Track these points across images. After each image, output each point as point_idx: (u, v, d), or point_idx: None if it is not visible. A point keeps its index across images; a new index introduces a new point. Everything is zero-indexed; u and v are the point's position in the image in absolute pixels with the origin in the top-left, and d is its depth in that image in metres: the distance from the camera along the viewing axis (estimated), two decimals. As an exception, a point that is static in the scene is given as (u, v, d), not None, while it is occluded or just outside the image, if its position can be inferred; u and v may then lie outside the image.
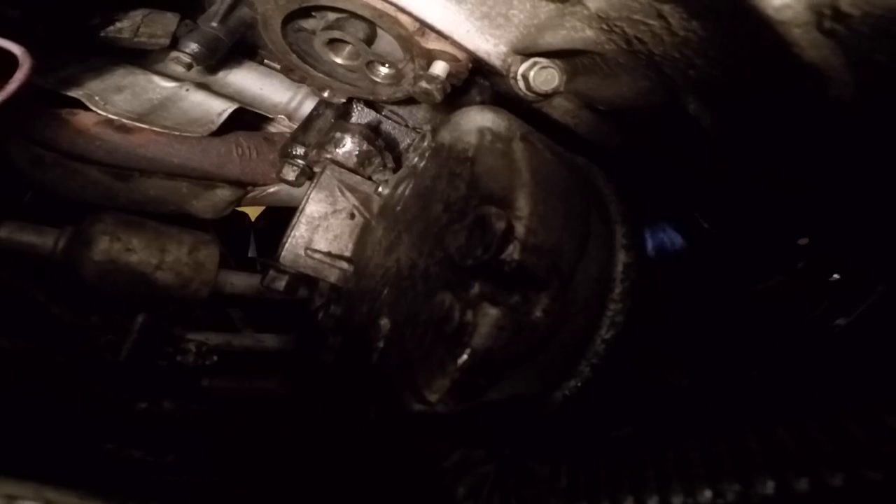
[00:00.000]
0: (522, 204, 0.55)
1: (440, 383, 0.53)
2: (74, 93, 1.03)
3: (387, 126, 1.24)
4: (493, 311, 0.51)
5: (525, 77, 0.86)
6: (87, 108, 1.04)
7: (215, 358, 0.59)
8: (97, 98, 1.03)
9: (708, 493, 0.37)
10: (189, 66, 1.08)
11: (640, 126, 0.89)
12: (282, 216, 1.83)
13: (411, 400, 0.57)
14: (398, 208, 0.85)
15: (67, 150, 1.02)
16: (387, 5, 0.82)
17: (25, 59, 0.74)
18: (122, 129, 1.05)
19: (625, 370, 0.62)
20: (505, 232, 0.52)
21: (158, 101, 1.12)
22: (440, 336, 0.54)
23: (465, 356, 0.51)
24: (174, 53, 1.07)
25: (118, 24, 1.06)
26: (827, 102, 0.48)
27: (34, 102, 0.99)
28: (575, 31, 0.71)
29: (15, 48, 0.75)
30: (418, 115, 1.28)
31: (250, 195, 1.31)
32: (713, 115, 0.67)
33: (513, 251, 0.52)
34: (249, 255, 1.80)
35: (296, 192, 1.29)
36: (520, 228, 0.54)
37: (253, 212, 1.88)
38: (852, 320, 0.83)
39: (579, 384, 0.59)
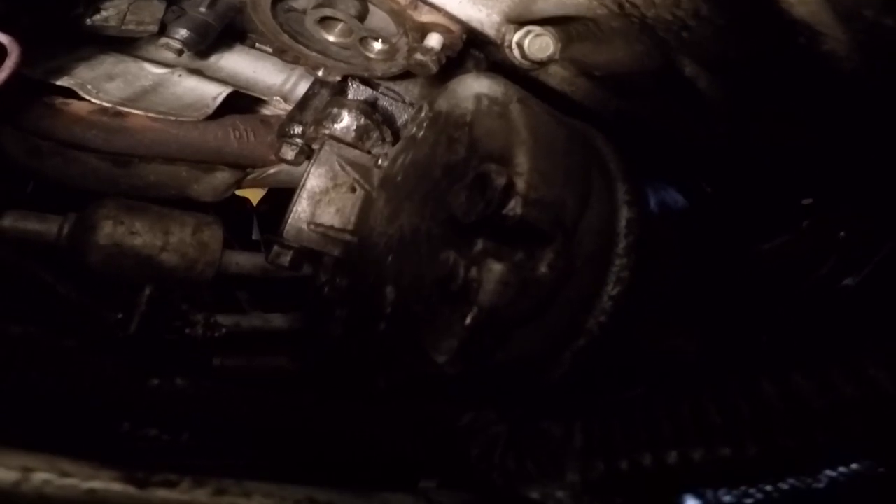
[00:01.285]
0: (522, 160, 0.55)
1: (448, 344, 0.54)
2: (65, 82, 1.03)
3: (384, 102, 1.23)
4: (497, 267, 0.51)
5: (520, 45, 0.85)
6: (79, 98, 1.04)
7: (224, 330, 0.60)
8: (89, 86, 1.03)
9: (727, 449, 0.37)
10: (179, 52, 1.07)
11: (636, 91, 0.89)
12: (283, 199, 1.83)
13: (420, 364, 0.57)
14: (398, 178, 0.86)
15: (64, 138, 1.02)
16: (377, -21, 0.81)
17: (13, 47, 0.74)
18: (118, 115, 1.05)
19: (632, 330, 0.63)
20: (506, 187, 0.52)
21: (151, 88, 1.11)
22: (446, 296, 0.55)
23: (471, 314, 0.52)
24: (163, 40, 1.06)
25: (104, 13, 1.05)
26: (820, 58, 0.48)
27: (25, 93, 0.99)
28: (569, -3, 0.70)
29: (2, 37, 0.75)
30: (414, 90, 1.27)
31: (250, 177, 1.30)
32: (709, 76, 0.67)
33: (515, 205, 0.52)
34: (253, 237, 1.81)
35: (295, 171, 1.29)
36: (520, 183, 0.54)
37: (254, 196, 1.88)
38: (861, 279, 0.83)
39: (588, 343, 0.59)
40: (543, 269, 0.53)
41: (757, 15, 0.49)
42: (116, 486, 0.34)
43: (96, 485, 0.34)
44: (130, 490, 0.34)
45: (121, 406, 0.54)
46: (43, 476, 0.33)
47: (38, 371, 0.50)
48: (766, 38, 0.52)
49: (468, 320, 0.53)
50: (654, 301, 0.65)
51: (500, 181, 0.52)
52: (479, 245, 0.54)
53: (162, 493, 0.35)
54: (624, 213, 0.60)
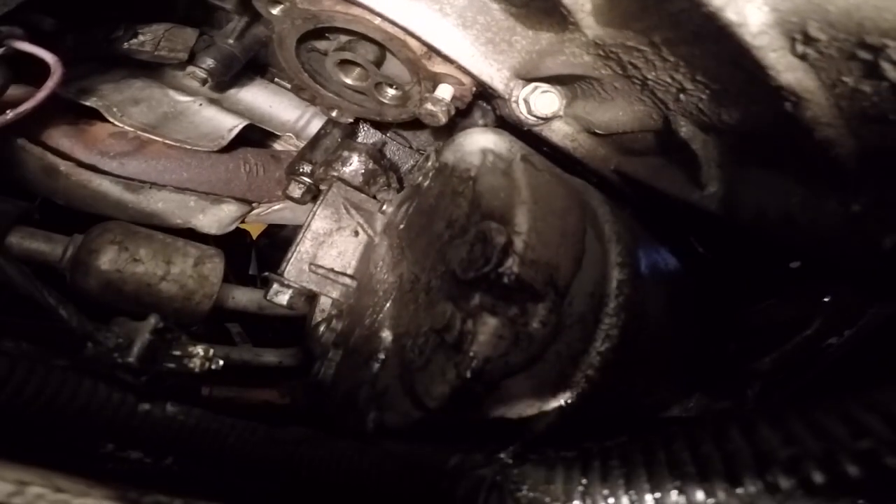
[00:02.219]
0: (521, 220, 0.58)
1: (440, 390, 0.55)
2: (94, 103, 1.07)
3: (391, 147, 1.27)
4: (492, 321, 0.53)
5: (526, 101, 0.89)
6: (103, 119, 1.08)
7: (220, 363, 0.60)
8: (115, 109, 1.07)
9: (699, 493, 0.38)
10: (204, 81, 1.12)
11: (636, 150, 0.92)
12: (282, 235, 1.86)
13: (410, 407, 0.58)
14: (401, 226, 0.88)
15: (81, 159, 1.05)
16: (396, 29, 0.86)
17: (57, 67, 0.77)
18: (136, 140, 1.08)
19: (619, 384, 0.64)
20: (504, 246, 0.55)
21: (172, 115, 1.15)
22: (441, 344, 0.56)
23: (464, 363, 0.53)
24: (190, 68, 1.11)
25: (141, 38, 1.11)
26: (806, 124, 0.51)
27: (53, 111, 1.03)
28: (574, 57, 0.74)
29: (47, 56, 0.79)
30: (422, 137, 1.32)
31: (255, 212, 1.33)
32: (703, 138, 0.70)
33: (511, 264, 0.55)
34: (250, 272, 1.82)
35: (299, 210, 1.32)
36: (518, 243, 0.56)
37: (254, 230, 1.91)
38: (844, 340, 0.84)
39: (575, 395, 0.60)
40: (535, 324, 0.55)
41: (748, 81, 0.52)
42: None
43: (89, 502, 0.34)
44: None
45: (109, 428, 0.54)
46: (37, 490, 0.33)
47: (28, 387, 0.51)
48: (756, 102, 0.56)
49: (461, 369, 0.54)
50: (641, 356, 0.66)
51: (500, 240, 0.55)
52: (476, 299, 0.56)
53: None
54: (615, 275, 0.63)
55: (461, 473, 0.47)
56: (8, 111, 0.77)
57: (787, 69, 0.48)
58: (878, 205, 0.54)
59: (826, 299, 0.89)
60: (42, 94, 0.75)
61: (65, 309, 0.60)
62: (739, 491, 0.37)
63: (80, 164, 1.06)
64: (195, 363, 0.57)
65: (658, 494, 0.39)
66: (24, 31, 0.86)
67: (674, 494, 0.38)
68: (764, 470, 0.37)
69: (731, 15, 0.47)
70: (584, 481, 0.42)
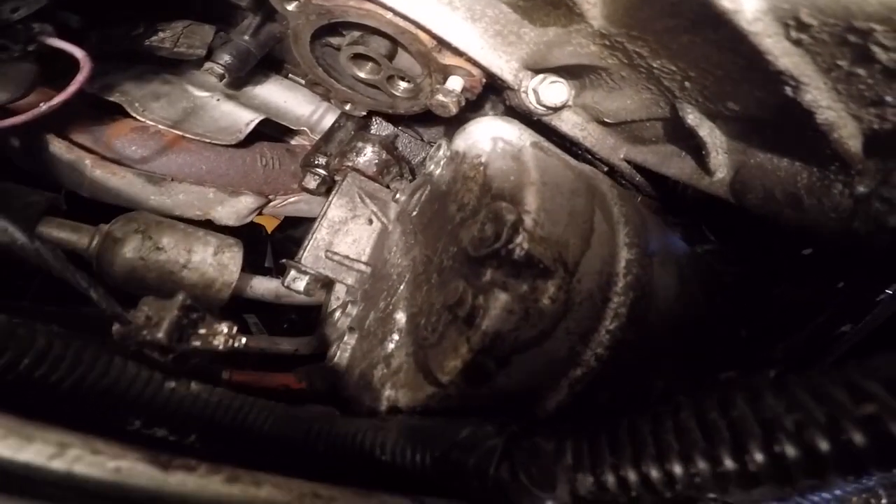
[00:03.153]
0: (531, 200, 0.60)
1: (452, 364, 0.57)
2: (117, 98, 1.11)
3: (403, 139, 1.30)
4: (503, 296, 0.55)
5: (535, 91, 0.91)
6: (126, 114, 1.11)
7: (244, 341, 0.63)
8: (137, 104, 1.10)
9: (703, 464, 0.39)
10: (221, 77, 1.16)
11: (644, 138, 0.93)
12: (297, 228, 1.90)
13: (424, 383, 0.60)
14: (414, 213, 0.90)
15: (105, 153, 1.09)
16: (407, 23, 0.88)
17: (86, 62, 0.80)
18: (157, 135, 1.12)
19: (629, 362, 0.65)
20: (514, 223, 0.56)
21: (191, 110, 1.19)
22: (453, 320, 0.58)
23: (476, 337, 0.55)
24: (208, 64, 1.14)
25: (161, 34, 1.14)
26: (806, 108, 0.52)
27: (78, 107, 1.07)
28: (581, 48, 0.76)
29: (77, 52, 0.82)
30: (433, 130, 1.34)
31: (271, 204, 1.36)
32: (709, 125, 0.71)
33: (521, 240, 0.56)
34: (266, 265, 1.86)
35: (314, 203, 1.35)
36: (528, 221, 0.58)
37: (269, 224, 1.95)
38: (858, 326, 0.84)
39: (585, 373, 0.62)
40: (545, 300, 0.56)
41: (748, 66, 0.53)
42: (141, 466, 0.37)
43: (123, 464, 0.36)
44: (154, 470, 0.37)
45: (136, 404, 0.57)
46: (76, 452, 0.36)
47: (64, 363, 0.53)
48: (758, 88, 0.57)
49: (472, 343, 0.56)
50: (650, 337, 0.67)
51: (510, 218, 0.57)
52: (488, 275, 0.58)
53: (181, 475, 0.37)
54: (624, 255, 0.64)
55: (473, 444, 0.49)
56: (42, 104, 0.80)
57: (783, 54, 0.49)
58: (883, 185, 0.55)
59: (839, 285, 0.90)
60: (73, 88, 0.78)
61: (95, 291, 0.63)
62: (745, 459, 0.38)
63: (104, 158, 1.10)
64: (220, 340, 0.60)
65: (663, 464, 0.40)
66: (53, 27, 0.89)
67: (679, 466, 0.39)
68: (769, 438, 0.37)
69: (725, 3, 0.48)
70: (592, 453, 0.43)
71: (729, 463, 0.38)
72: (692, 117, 0.72)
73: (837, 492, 0.54)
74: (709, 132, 0.73)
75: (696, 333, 0.80)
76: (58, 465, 0.35)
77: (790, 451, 0.36)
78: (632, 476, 0.40)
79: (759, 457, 0.37)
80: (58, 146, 1.07)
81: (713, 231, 1.05)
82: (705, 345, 0.81)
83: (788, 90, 0.52)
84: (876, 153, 0.55)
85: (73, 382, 0.54)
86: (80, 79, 0.80)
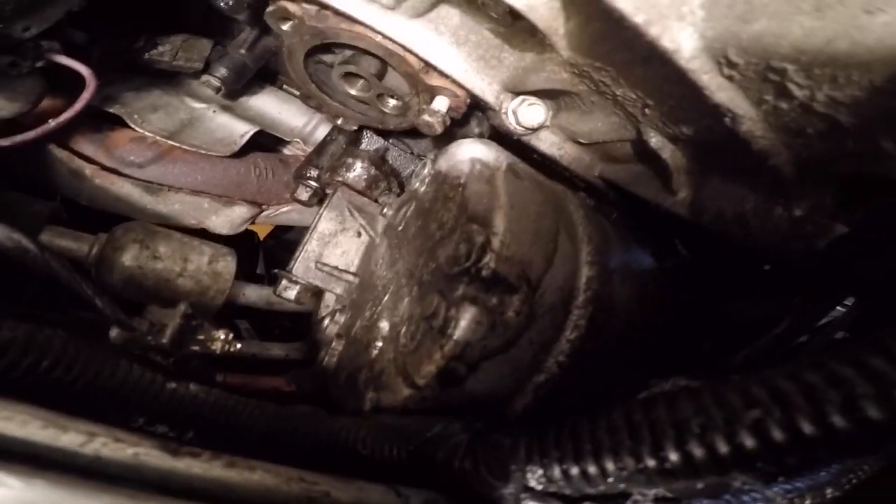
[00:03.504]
0: (499, 223, 0.66)
1: (427, 369, 0.63)
2: (117, 110, 1.16)
3: (393, 153, 1.35)
4: (472, 309, 0.61)
5: (515, 112, 0.97)
6: (125, 125, 1.16)
7: (238, 346, 0.68)
8: (136, 116, 1.15)
9: (629, 460, 0.44)
10: (218, 90, 1.21)
11: (616, 158, 1.00)
12: (288, 237, 1.95)
13: (403, 386, 0.66)
14: (400, 228, 0.96)
15: (105, 163, 1.14)
16: (396, 46, 0.93)
17: (91, 80, 0.85)
18: (155, 145, 1.17)
19: (589, 370, 0.71)
20: (483, 244, 0.63)
21: (188, 121, 1.24)
22: (429, 329, 0.64)
23: (448, 345, 0.61)
24: (205, 77, 1.19)
25: (160, 48, 1.19)
26: (744, 137, 0.59)
27: (79, 118, 1.11)
28: (554, 74, 0.82)
29: (83, 69, 0.87)
30: (422, 143, 1.39)
31: (264, 214, 1.41)
32: (671, 147, 0.78)
33: (489, 260, 0.63)
34: (258, 271, 1.91)
35: (306, 212, 1.40)
36: (495, 242, 0.64)
37: (262, 231, 1.99)
38: (811, 337, 0.91)
39: (547, 378, 0.68)
40: (510, 313, 0.63)
41: (693, 97, 0.60)
42: (155, 452, 0.43)
43: (140, 450, 0.42)
44: (165, 456, 0.43)
45: (140, 403, 0.62)
46: (102, 440, 0.42)
47: (78, 364, 0.58)
48: (705, 117, 0.63)
49: (445, 350, 0.62)
50: (611, 346, 0.74)
51: (479, 239, 0.63)
52: (460, 290, 0.64)
53: (188, 460, 0.43)
54: (585, 272, 0.70)
55: (441, 440, 0.55)
56: (50, 120, 0.85)
57: (718, 89, 0.56)
58: (814, 209, 0.62)
59: (796, 299, 0.96)
60: (80, 105, 0.83)
61: (100, 299, 0.68)
62: (662, 456, 0.43)
63: (104, 168, 1.15)
64: (217, 346, 0.65)
65: (598, 459, 0.45)
66: (60, 44, 0.94)
67: (609, 462, 0.44)
68: (681, 438, 0.42)
69: (666, 42, 0.54)
70: (540, 448, 0.49)
71: (650, 460, 0.42)
72: (655, 140, 0.79)
73: (767, 492, 0.59)
74: (670, 154, 0.80)
75: (658, 344, 0.86)
76: (88, 450, 0.41)
77: (696, 450, 0.41)
78: (573, 469, 0.45)
79: (673, 455, 0.42)
80: (58, 155, 1.12)
81: (686, 246, 1.12)
82: (668, 355, 0.87)
83: (728, 121, 0.59)
84: (809, 179, 0.62)
85: (86, 383, 0.59)
86: (85, 96, 0.85)
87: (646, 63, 0.64)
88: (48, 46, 0.94)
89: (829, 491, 0.56)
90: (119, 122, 1.19)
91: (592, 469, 0.43)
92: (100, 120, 1.19)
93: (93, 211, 1.18)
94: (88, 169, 1.13)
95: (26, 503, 0.37)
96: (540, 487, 0.46)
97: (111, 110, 1.17)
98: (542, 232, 0.69)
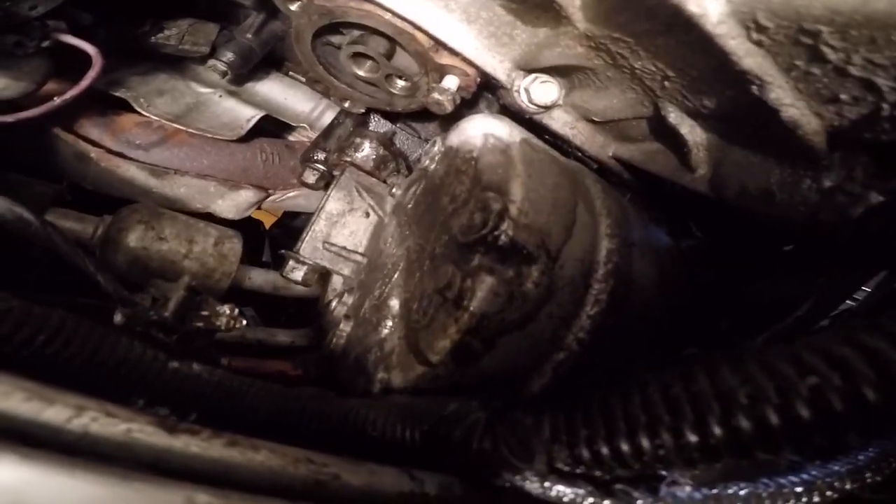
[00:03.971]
0: (516, 190, 0.63)
1: (441, 344, 0.60)
2: (123, 94, 1.14)
3: (401, 136, 1.33)
4: (489, 279, 0.58)
5: (527, 90, 0.94)
6: (130, 109, 1.15)
7: (244, 322, 0.66)
8: (142, 100, 1.14)
9: (667, 437, 0.41)
10: (224, 74, 1.19)
11: (631, 137, 0.97)
12: (295, 224, 1.93)
13: (414, 363, 0.63)
14: (409, 206, 0.93)
15: (110, 146, 1.12)
16: (405, 24, 0.91)
17: (98, 58, 0.83)
18: (161, 129, 1.15)
19: (610, 347, 0.68)
20: (500, 212, 0.60)
21: (194, 105, 1.22)
22: (443, 302, 0.61)
23: (463, 318, 0.58)
24: (211, 61, 1.18)
25: (167, 32, 1.17)
26: (772, 105, 0.56)
27: (85, 101, 1.10)
28: (569, 49, 0.79)
29: (89, 48, 0.85)
30: (430, 127, 1.37)
31: (270, 199, 1.40)
32: (690, 123, 0.75)
33: (507, 227, 0.60)
34: (264, 259, 1.89)
35: (312, 198, 1.38)
36: (513, 209, 0.61)
37: (268, 219, 1.98)
38: (834, 319, 0.88)
39: (567, 356, 0.65)
40: (529, 284, 0.60)
41: (718, 66, 0.57)
42: (149, 429, 0.40)
43: (134, 426, 0.39)
44: (161, 433, 0.40)
45: (141, 383, 0.60)
46: (92, 414, 0.39)
47: (76, 339, 0.56)
48: (729, 87, 0.60)
49: (460, 323, 0.59)
50: (632, 323, 0.71)
51: (496, 206, 0.60)
52: (476, 260, 0.61)
53: (186, 438, 0.40)
54: (604, 245, 0.67)
55: (458, 419, 0.52)
56: (55, 97, 0.83)
57: (746, 55, 0.53)
58: (847, 180, 0.59)
59: (819, 281, 0.93)
60: (85, 83, 0.81)
61: (102, 276, 0.66)
62: (705, 432, 0.40)
63: (109, 151, 1.13)
64: (222, 321, 0.63)
65: (632, 438, 0.42)
66: (67, 25, 0.92)
67: (644, 439, 0.41)
68: (727, 411, 0.39)
69: (692, 7, 0.52)
70: (567, 427, 0.46)
71: (691, 436, 0.39)
72: (673, 116, 0.76)
73: (805, 476, 0.56)
74: (689, 130, 0.77)
75: (677, 323, 0.83)
76: (75, 425, 0.38)
77: (745, 423, 0.38)
78: (604, 449, 0.42)
79: (717, 430, 0.38)
80: (64, 139, 1.10)
81: (700, 228, 1.09)
82: (686, 335, 0.85)
83: (755, 89, 0.56)
84: (839, 148, 0.59)
85: (84, 360, 0.57)
86: (91, 74, 0.83)
87: (668, 31, 0.61)
88: (54, 26, 0.92)
89: (868, 475, 0.53)
90: (125, 107, 1.17)
91: (626, 448, 0.40)
92: (106, 104, 1.18)
93: (99, 195, 1.17)
94: (94, 152, 1.12)
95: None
96: (567, 468, 0.43)
97: (117, 94, 1.16)
98: (561, 202, 0.67)
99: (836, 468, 0.57)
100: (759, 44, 0.52)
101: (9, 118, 0.80)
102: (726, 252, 1.01)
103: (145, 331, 0.62)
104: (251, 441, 0.43)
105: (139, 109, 1.14)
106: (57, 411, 0.38)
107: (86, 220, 1.02)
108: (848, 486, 0.57)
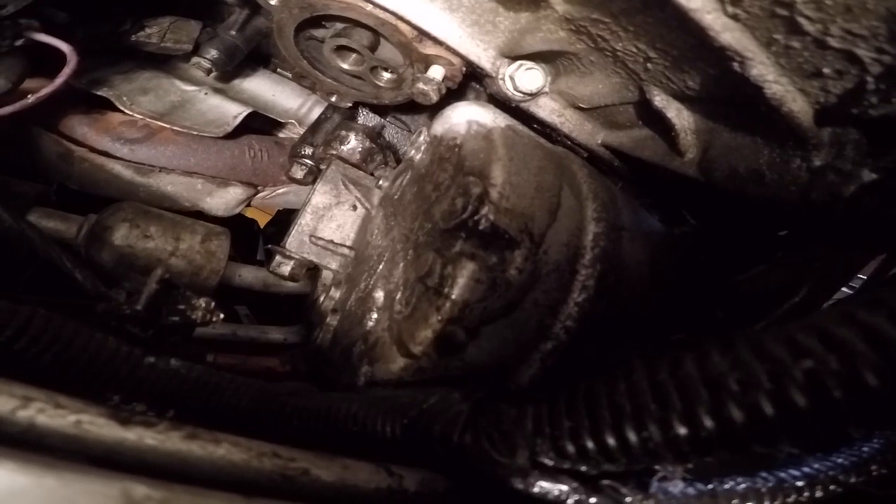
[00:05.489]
0: (497, 174, 0.62)
1: (423, 335, 0.58)
2: (105, 93, 1.13)
3: (390, 130, 1.31)
4: (470, 265, 0.56)
5: (512, 78, 0.93)
6: (114, 108, 1.13)
7: (221, 316, 0.65)
8: (125, 98, 1.12)
9: (655, 429, 0.39)
10: (208, 71, 1.18)
11: (619, 123, 0.95)
12: (288, 222, 1.92)
13: (397, 355, 0.61)
14: (395, 197, 0.92)
15: (95, 146, 1.11)
16: (388, 15, 0.90)
17: (72, 56, 0.82)
18: (146, 127, 1.14)
19: (598, 336, 0.66)
20: (480, 195, 0.58)
21: (179, 103, 1.21)
22: (424, 291, 0.59)
23: (445, 306, 0.56)
24: (195, 59, 1.16)
25: (147, 30, 1.16)
26: (754, 83, 0.54)
27: (67, 101, 1.08)
28: (550, 34, 0.78)
29: (63, 46, 0.84)
30: (419, 120, 1.36)
31: (260, 195, 1.38)
32: (676, 106, 0.73)
33: (487, 212, 0.58)
34: (258, 258, 1.88)
35: (302, 194, 1.37)
36: (493, 193, 0.60)
37: (262, 218, 1.97)
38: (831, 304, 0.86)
39: (555, 346, 0.63)
40: (512, 270, 0.58)
41: (698, 44, 0.55)
42: (101, 420, 0.38)
43: (84, 417, 0.38)
44: (113, 424, 0.38)
45: (115, 379, 0.58)
46: (39, 405, 0.37)
47: (45, 335, 0.54)
48: (711, 65, 0.59)
49: (442, 312, 0.57)
50: (621, 310, 0.69)
51: (476, 190, 0.58)
52: (457, 247, 0.59)
53: (140, 430, 0.39)
54: (591, 228, 0.65)
55: (439, 411, 0.50)
56: (29, 95, 0.82)
57: (724, 30, 0.51)
58: (837, 158, 0.57)
59: (814, 266, 0.91)
60: (60, 80, 0.80)
61: (80, 272, 0.65)
62: (695, 423, 0.37)
63: (94, 150, 1.12)
64: (198, 315, 0.62)
65: (618, 431, 0.40)
66: (40, 23, 0.91)
67: (632, 432, 0.39)
68: (717, 400, 0.36)
69: None
70: (551, 419, 0.44)
71: (680, 428, 0.36)
72: (659, 99, 0.74)
73: (807, 469, 0.53)
74: (676, 114, 0.75)
75: (669, 310, 0.81)
76: (21, 416, 0.37)
77: (736, 413, 0.35)
78: (589, 443, 0.39)
79: (707, 421, 0.35)
80: (46, 139, 1.09)
81: (693, 214, 1.07)
82: (680, 323, 0.83)
83: (736, 66, 0.54)
84: (828, 125, 0.57)
85: (54, 355, 0.56)
86: (66, 71, 0.82)
87: (644, 9, 0.60)
88: (27, 24, 0.91)
89: (874, 468, 0.51)
90: (109, 106, 1.16)
91: (611, 442, 0.37)
92: (90, 104, 1.17)
93: (84, 196, 1.16)
94: (78, 152, 1.10)
95: None
96: (551, 463, 0.40)
97: (99, 93, 1.15)
98: (545, 186, 0.65)
99: (840, 461, 0.54)
100: (735, 17, 0.50)
101: (-24, 116, 0.79)
102: (720, 238, 0.99)
103: (120, 325, 0.61)
104: (213, 434, 0.41)
105: (122, 108, 1.13)
106: (2, 402, 0.37)
107: (70, 220, 1.00)
108: (852, 480, 0.54)
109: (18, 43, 0.91)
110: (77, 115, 1.13)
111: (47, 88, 0.85)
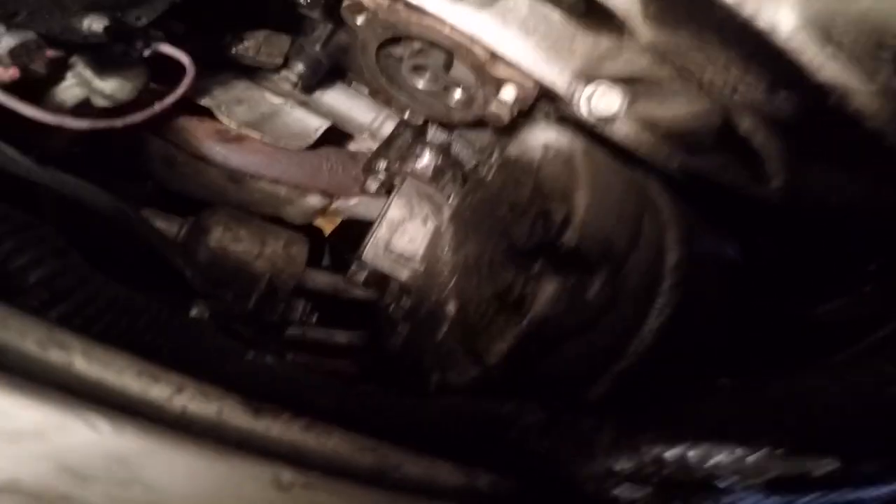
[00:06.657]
0: (580, 200, 0.64)
1: (498, 347, 0.61)
2: (206, 102, 1.22)
3: (457, 147, 1.36)
4: (552, 285, 0.59)
5: (588, 102, 0.93)
6: (212, 116, 1.23)
7: (316, 316, 0.70)
8: (223, 108, 1.22)
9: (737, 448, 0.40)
10: (295, 85, 1.26)
11: (699, 148, 0.94)
12: (353, 232, 1.99)
13: (470, 365, 0.64)
14: (466, 214, 0.95)
15: (194, 152, 1.21)
16: (463, 37, 0.93)
17: (191, 67, 0.90)
18: (238, 138, 1.24)
19: (671, 361, 0.67)
20: (564, 220, 0.60)
21: (268, 115, 1.30)
22: (502, 307, 0.62)
23: (523, 322, 0.59)
24: (284, 73, 1.25)
25: (245, 44, 1.25)
26: (852, 117, 0.53)
27: (171, 108, 1.18)
28: (632, 62, 0.79)
29: (183, 57, 0.92)
30: (485, 138, 1.39)
31: (333, 205, 1.46)
32: (764, 133, 0.72)
33: (571, 236, 0.60)
34: (323, 264, 1.97)
35: (372, 206, 1.43)
36: (576, 219, 0.62)
37: (328, 227, 2.06)
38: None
39: (627, 367, 0.64)
40: (591, 294, 0.60)
41: (792, 78, 0.55)
42: (238, 409, 0.43)
43: (225, 405, 0.43)
44: (247, 413, 0.43)
45: (221, 371, 0.64)
46: (190, 393, 0.43)
47: (160, 336, 0.61)
48: (805, 97, 0.58)
49: (520, 327, 0.60)
50: (695, 337, 0.69)
51: (560, 214, 0.61)
52: (538, 266, 0.62)
53: (268, 420, 0.43)
54: (671, 257, 0.66)
55: (515, 419, 0.53)
56: (155, 103, 0.91)
57: (821, 68, 0.51)
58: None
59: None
60: (181, 89, 0.88)
61: (191, 271, 0.72)
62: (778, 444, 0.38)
63: (193, 156, 1.22)
64: (296, 315, 0.67)
65: (700, 447, 0.41)
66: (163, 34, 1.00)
67: (713, 450, 0.40)
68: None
69: (761, 23, 0.50)
70: (630, 430, 0.45)
71: (764, 446, 0.37)
72: (746, 126, 0.73)
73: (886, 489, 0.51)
74: (763, 140, 0.74)
75: (745, 339, 0.80)
76: (176, 403, 0.42)
77: (822, 433, 0.36)
78: (667, 455, 0.41)
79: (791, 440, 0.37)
80: (153, 143, 1.20)
81: (773, 243, 1.04)
82: (753, 350, 0.81)
83: (833, 100, 0.53)
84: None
85: (173, 348, 0.62)
86: (187, 82, 0.90)
87: (739, 43, 0.60)
88: (154, 35, 1.00)
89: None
90: (206, 113, 1.26)
91: (692, 454, 0.39)
92: (189, 111, 1.27)
93: (177, 197, 1.26)
94: (180, 157, 1.21)
95: (112, 448, 0.38)
96: (626, 473, 0.42)
97: (201, 102, 1.25)
98: (626, 214, 0.66)
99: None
100: (834, 57, 0.50)
101: (117, 122, 0.88)
102: (799, 269, 0.96)
103: (226, 323, 0.67)
104: (325, 426, 0.46)
105: (220, 117, 1.23)
106: (161, 389, 0.43)
107: (172, 220, 1.10)
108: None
109: (147, 53, 1.01)
110: (180, 121, 1.24)
111: (171, 97, 0.94)
